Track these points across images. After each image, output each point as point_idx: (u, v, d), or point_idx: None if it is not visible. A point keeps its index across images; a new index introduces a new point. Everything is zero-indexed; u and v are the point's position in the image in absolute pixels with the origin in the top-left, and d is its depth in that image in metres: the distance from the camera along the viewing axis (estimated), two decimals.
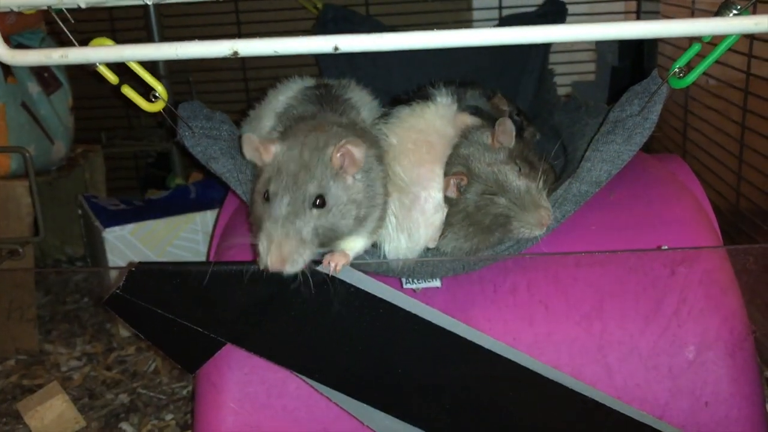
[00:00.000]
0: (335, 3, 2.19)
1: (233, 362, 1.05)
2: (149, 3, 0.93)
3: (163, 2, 0.97)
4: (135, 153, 2.51)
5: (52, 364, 1.64)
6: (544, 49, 2.00)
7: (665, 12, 2.28)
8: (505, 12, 2.33)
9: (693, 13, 1.97)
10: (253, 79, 2.41)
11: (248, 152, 0.97)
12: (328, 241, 0.93)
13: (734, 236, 1.67)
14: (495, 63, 2.03)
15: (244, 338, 1.00)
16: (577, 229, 1.11)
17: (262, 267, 0.89)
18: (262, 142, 0.95)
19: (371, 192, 0.98)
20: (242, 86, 2.42)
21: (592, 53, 2.46)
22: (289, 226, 0.89)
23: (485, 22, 2.27)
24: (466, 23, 2.47)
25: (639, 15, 2.33)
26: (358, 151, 0.93)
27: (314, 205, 0.91)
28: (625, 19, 2.39)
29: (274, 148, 0.95)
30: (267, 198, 0.92)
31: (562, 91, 2.06)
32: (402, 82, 1.91)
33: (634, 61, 2.34)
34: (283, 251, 0.87)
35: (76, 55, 0.92)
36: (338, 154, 0.93)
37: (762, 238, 1.60)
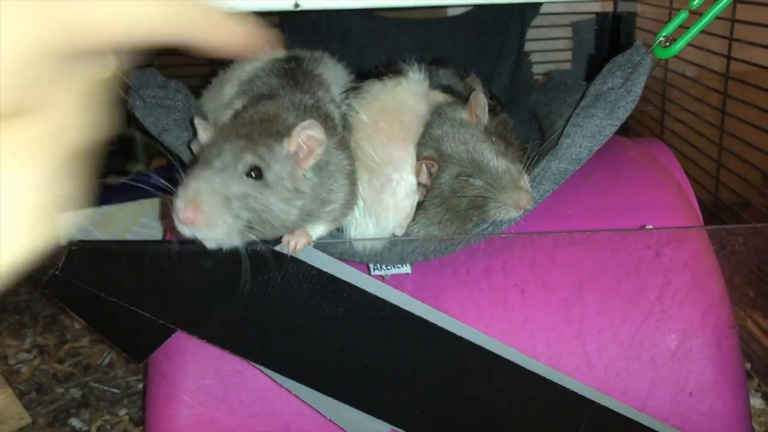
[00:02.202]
0: None
1: (186, 352, 0.97)
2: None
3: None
4: None
5: None
6: (521, 31, 1.95)
7: (642, 11, 2.24)
8: None
9: (670, 13, 1.92)
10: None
11: (201, 137, 0.88)
12: (261, 223, 0.81)
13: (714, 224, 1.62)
14: (470, 45, 1.97)
15: (197, 325, 0.92)
16: (554, 213, 1.04)
17: (176, 222, 0.79)
18: (202, 124, 0.88)
19: (326, 186, 0.89)
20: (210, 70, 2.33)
21: (568, 41, 2.42)
22: (213, 179, 0.78)
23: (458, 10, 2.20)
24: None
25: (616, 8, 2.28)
26: (317, 141, 0.84)
27: (248, 175, 0.80)
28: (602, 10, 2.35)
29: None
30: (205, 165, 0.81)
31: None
32: (374, 64, 1.86)
33: (610, 50, 2.30)
34: (201, 203, 0.76)
35: None
36: (294, 140, 0.84)
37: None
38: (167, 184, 0.86)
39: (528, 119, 1.48)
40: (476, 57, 1.95)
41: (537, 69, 2.01)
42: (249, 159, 0.81)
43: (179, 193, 0.78)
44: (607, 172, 1.16)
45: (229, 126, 0.87)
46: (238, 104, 0.99)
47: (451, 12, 2.25)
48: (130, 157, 2.28)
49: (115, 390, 1.42)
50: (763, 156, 1.43)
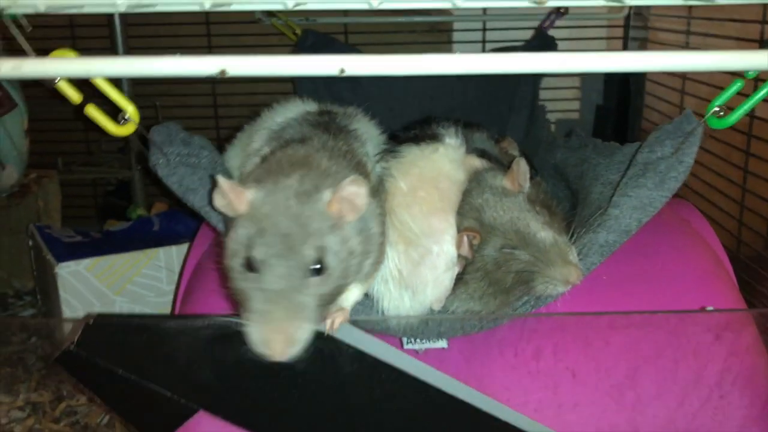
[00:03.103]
0: (314, 29, 2.09)
1: None
2: (117, 11, 0.79)
3: (132, 11, 0.83)
4: (94, 180, 2.35)
5: None
6: (534, 84, 1.93)
7: (653, 47, 2.22)
8: (488, 47, 2.26)
9: (687, 44, 1.91)
10: (223, 106, 2.28)
11: (218, 201, 0.77)
12: (329, 303, 0.77)
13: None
14: (481, 98, 1.95)
15: (220, 405, 0.85)
16: (588, 283, 0.98)
17: (259, 355, 0.73)
18: (233, 188, 0.76)
19: (366, 234, 0.82)
20: (212, 113, 2.29)
21: (576, 91, 2.41)
22: (288, 305, 0.72)
23: None
24: None
25: (626, 47, 2.27)
26: (361, 196, 0.77)
27: (314, 273, 0.74)
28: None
29: (250, 195, 0.77)
30: (250, 267, 0.74)
31: None
32: (382, 111, 1.81)
33: (619, 100, 2.29)
34: (287, 338, 0.71)
35: (31, 67, 0.77)
36: (338, 201, 0.76)
37: (765, 288, 1.51)
38: None
39: (551, 176, 1.44)
40: (487, 109, 1.92)
41: None
42: (310, 254, 0.74)
43: (255, 324, 0.73)
44: (641, 236, 1.12)
45: (262, 197, 0.77)
46: (266, 151, 0.92)
47: None
48: (127, 200, 2.22)
49: None
50: None
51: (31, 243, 1.76)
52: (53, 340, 1.63)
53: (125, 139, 2.20)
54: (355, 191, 0.76)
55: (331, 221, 0.76)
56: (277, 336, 0.71)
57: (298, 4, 0.80)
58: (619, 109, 2.30)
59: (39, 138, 2.04)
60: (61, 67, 0.78)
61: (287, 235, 0.73)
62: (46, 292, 1.68)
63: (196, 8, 0.81)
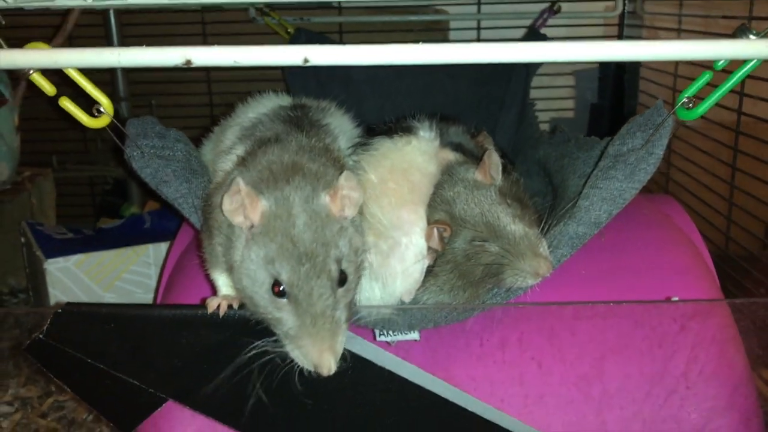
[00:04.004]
0: (308, 29, 2.10)
1: (176, 422, 0.90)
2: (88, 6, 0.80)
3: (102, 6, 0.84)
4: (90, 179, 2.36)
5: None
6: (525, 82, 1.92)
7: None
8: None
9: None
10: (218, 105, 2.29)
11: (230, 206, 0.76)
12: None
13: (723, 282, 1.58)
14: (472, 94, 1.95)
15: (188, 394, 0.86)
16: (565, 275, 0.98)
17: (311, 370, 0.76)
18: (250, 195, 0.76)
19: (358, 228, 0.85)
20: (207, 111, 2.30)
21: (570, 90, 2.40)
22: (329, 324, 0.74)
23: None
24: None
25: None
26: (356, 189, 0.80)
27: (340, 284, 0.77)
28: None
29: (264, 205, 0.77)
30: (280, 291, 0.75)
31: (541, 127, 1.98)
32: (374, 110, 1.82)
33: (613, 99, 2.29)
34: (335, 354, 0.74)
35: (2, 57, 0.78)
36: (339, 200, 0.78)
37: (752, 285, 1.51)
38: None
39: (536, 171, 1.44)
40: (477, 106, 1.92)
41: (539, 117, 1.99)
42: (334, 268, 0.76)
43: (307, 344, 0.75)
44: (621, 231, 1.11)
45: (271, 207, 0.77)
46: (239, 150, 0.93)
47: None
48: (124, 199, 2.23)
49: None
50: None
51: (23, 240, 1.77)
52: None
53: (121, 138, 2.21)
54: (351, 185, 0.79)
55: (337, 225, 0.78)
56: (328, 355, 0.74)
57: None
58: (614, 107, 2.29)
59: (34, 137, 2.06)
60: (31, 57, 0.79)
61: (309, 253, 0.75)
62: (37, 288, 1.69)
63: (165, 2, 0.82)
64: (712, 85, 0.88)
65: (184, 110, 2.28)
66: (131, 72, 2.11)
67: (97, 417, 1.45)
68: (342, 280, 0.77)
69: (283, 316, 0.75)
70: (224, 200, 0.76)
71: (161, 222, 1.77)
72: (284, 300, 0.75)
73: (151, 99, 2.21)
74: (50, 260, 1.53)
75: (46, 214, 2.00)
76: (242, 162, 0.89)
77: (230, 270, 0.81)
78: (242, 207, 0.76)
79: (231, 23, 2.21)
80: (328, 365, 0.73)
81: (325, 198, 0.79)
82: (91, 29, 2.12)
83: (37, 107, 1.93)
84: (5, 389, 1.54)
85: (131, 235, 1.69)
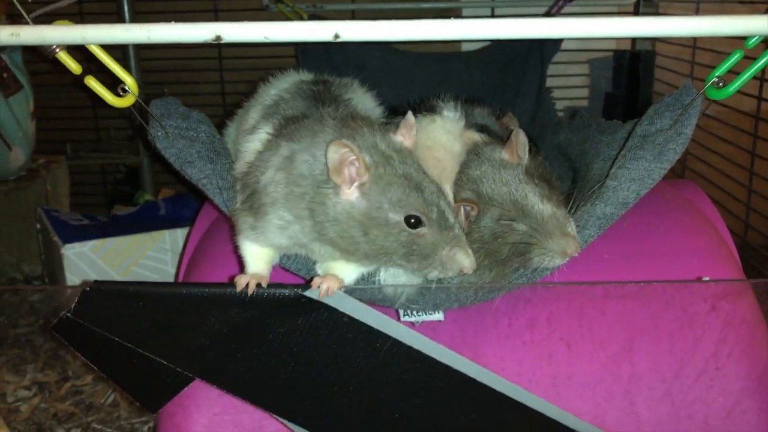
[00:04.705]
0: (322, 16, 2.09)
1: (202, 401, 0.90)
2: None
3: None
4: (103, 166, 2.36)
5: None
6: (540, 70, 1.92)
7: (661, 49, 2.21)
8: None
9: (694, 51, 1.90)
10: (230, 93, 2.29)
11: (337, 163, 0.78)
12: None
13: (744, 270, 1.57)
14: (487, 82, 1.94)
15: (215, 373, 0.85)
16: (591, 258, 0.98)
17: (467, 271, 0.82)
18: (356, 152, 0.78)
19: None
20: (219, 100, 2.30)
21: (585, 78, 2.39)
22: (460, 230, 0.83)
23: (474, 44, 2.17)
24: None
25: (634, 46, 2.25)
26: (413, 123, 0.87)
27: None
28: (620, 47, 2.32)
29: (365, 159, 0.80)
30: (415, 222, 0.80)
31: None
32: (390, 99, 1.81)
33: (628, 88, 2.28)
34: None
35: (29, 34, 0.78)
36: (409, 129, 0.86)
37: None
38: None
39: (555, 156, 1.43)
40: (493, 93, 1.91)
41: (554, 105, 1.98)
42: (440, 188, 0.84)
43: (461, 252, 0.81)
44: (643, 215, 1.11)
45: (373, 164, 0.81)
46: (267, 128, 0.93)
47: (465, 47, 2.23)
48: (136, 186, 2.24)
49: None
50: None
51: (38, 226, 1.77)
52: (56, 312, 1.65)
53: (134, 126, 2.21)
54: (411, 121, 0.86)
55: (415, 157, 0.86)
56: (472, 257, 0.81)
57: None
58: (628, 96, 2.28)
59: (48, 125, 2.06)
60: (58, 34, 0.79)
61: (420, 182, 0.81)
62: (54, 275, 1.69)
63: None
64: (734, 72, 0.87)
65: (196, 98, 2.28)
66: (144, 60, 2.11)
67: (115, 401, 1.45)
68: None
69: (425, 241, 0.81)
70: (329, 159, 0.78)
71: (176, 209, 1.77)
72: (422, 228, 0.80)
73: (163, 87, 2.21)
74: (67, 245, 1.53)
75: (61, 201, 2.01)
76: (281, 136, 0.88)
77: (322, 234, 0.82)
78: (347, 165, 0.78)
79: (244, 11, 2.21)
80: (471, 264, 0.80)
81: (397, 138, 0.85)
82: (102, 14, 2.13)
83: (51, 95, 1.94)
84: (23, 374, 1.55)
85: (146, 222, 1.69)
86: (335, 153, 0.77)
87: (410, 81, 1.93)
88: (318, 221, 0.81)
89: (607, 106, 2.36)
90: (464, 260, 0.80)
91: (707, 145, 1.80)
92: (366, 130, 0.83)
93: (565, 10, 2.04)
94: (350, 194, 0.80)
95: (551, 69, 1.99)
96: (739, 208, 1.64)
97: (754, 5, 1.61)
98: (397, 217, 0.79)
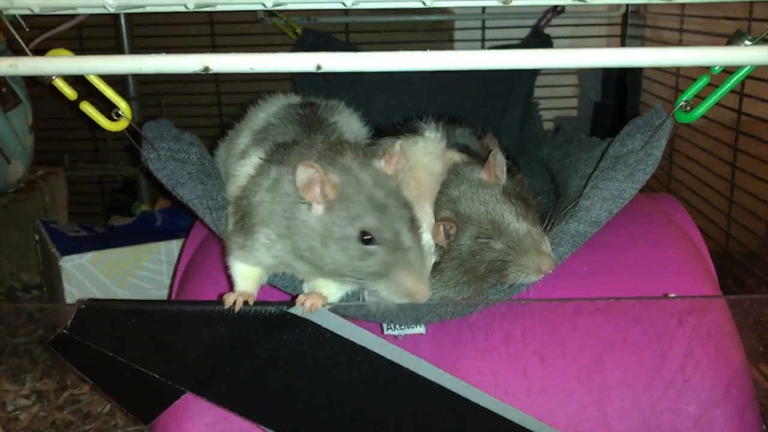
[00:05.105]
0: (315, 29, 2.13)
1: (194, 412, 0.94)
2: (108, 11, 0.83)
3: (123, 11, 0.88)
4: (100, 177, 2.40)
5: None
6: (529, 82, 1.95)
7: (651, 45, 2.25)
8: (488, 45, 2.29)
9: (681, 42, 1.93)
10: (227, 104, 2.32)
11: (304, 182, 0.83)
12: None
13: (724, 280, 1.61)
14: (477, 94, 1.98)
15: (206, 386, 0.89)
16: (567, 272, 1.02)
17: (418, 301, 0.84)
18: (322, 171, 0.83)
19: None
20: (216, 111, 2.33)
21: (574, 89, 2.43)
22: (418, 255, 0.85)
23: None
24: None
25: (624, 45, 2.29)
26: (405, 159, 0.90)
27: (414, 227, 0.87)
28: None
29: (335, 179, 0.85)
30: (368, 239, 0.83)
31: (545, 126, 2.01)
32: (382, 110, 1.85)
33: (616, 98, 2.32)
34: (427, 282, 0.85)
35: (27, 65, 0.82)
36: (394, 161, 0.88)
37: (753, 282, 1.54)
38: None
39: (539, 170, 1.47)
40: (483, 105, 1.95)
41: (543, 116, 2.02)
42: (407, 212, 0.86)
43: (409, 277, 0.83)
44: (621, 229, 1.15)
45: (341, 180, 0.85)
46: (258, 153, 0.97)
47: None
48: (133, 197, 2.27)
49: None
50: None
51: (37, 237, 1.81)
52: (58, 323, 1.68)
53: (137, 140, 2.25)
54: (401, 150, 0.89)
55: (395, 183, 0.88)
56: (421, 284, 0.83)
57: (276, 5, 0.85)
58: (617, 106, 2.32)
59: (46, 136, 2.09)
60: (55, 65, 0.83)
61: (384, 203, 0.84)
62: (52, 285, 1.72)
63: (181, 8, 0.86)
64: (712, 85, 0.91)
65: (193, 109, 2.32)
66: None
67: (112, 410, 1.48)
68: (413, 224, 0.86)
69: (375, 259, 0.83)
70: (297, 180, 0.83)
71: (172, 220, 1.80)
72: (374, 246, 0.83)
73: (161, 99, 2.25)
74: (66, 257, 1.56)
75: (59, 212, 2.04)
76: (273, 160, 0.93)
77: (295, 248, 0.86)
78: (314, 184, 0.83)
79: (239, 23, 2.24)
80: (423, 292, 0.82)
81: (380, 163, 0.88)
82: (100, 26, 2.16)
83: (49, 107, 1.97)
84: (22, 383, 1.58)
85: (143, 233, 1.72)
86: (303, 173, 0.82)
87: (402, 93, 1.97)
88: (294, 236, 0.86)
89: (596, 117, 2.40)
90: (411, 285, 0.82)
91: (691, 156, 1.84)
92: (349, 154, 0.88)
93: (554, 21, 2.07)
94: (318, 210, 0.84)
95: (541, 80, 2.03)
96: (721, 218, 1.68)
97: (739, 21, 1.65)
98: (352, 232, 0.83)
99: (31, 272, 2.02)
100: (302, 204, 0.85)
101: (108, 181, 2.41)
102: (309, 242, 0.85)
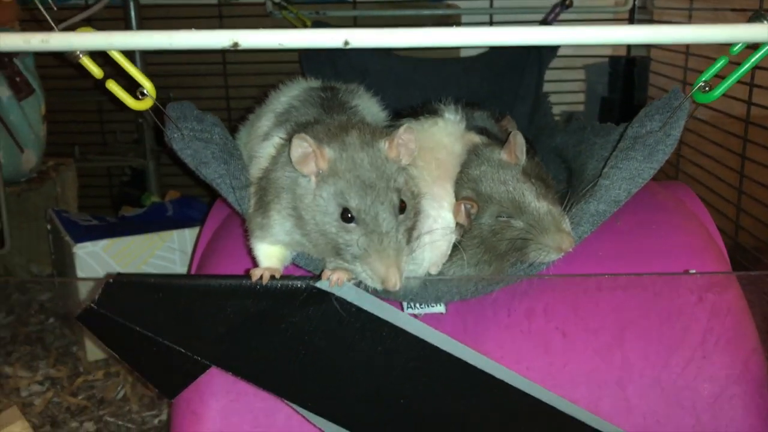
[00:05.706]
0: (325, 22, 2.15)
1: (217, 388, 0.95)
2: None
3: None
4: (109, 170, 2.41)
5: (11, 388, 1.52)
6: (537, 75, 1.97)
7: (656, 55, 2.26)
8: None
9: (687, 58, 1.95)
10: (234, 98, 2.33)
11: (298, 156, 0.85)
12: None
13: (735, 269, 1.61)
14: (485, 85, 1.99)
15: (230, 361, 0.90)
16: (583, 257, 1.03)
17: (378, 288, 0.83)
18: (319, 147, 0.85)
19: (415, 181, 0.94)
20: (224, 104, 2.34)
21: (581, 83, 2.44)
22: (393, 243, 0.83)
23: (473, 50, 2.22)
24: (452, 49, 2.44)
25: (629, 52, 2.31)
26: (413, 141, 0.89)
27: (400, 211, 0.85)
28: (615, 53, 2.37)
29: (329, 153, 0.86)
30: (349, 218, 0.83)
31: None
32: (390, 102, 1.86)
33: (623, 92, 2.33)
34: (400, 271, 0.82)
35: (58, 40, 0.83)
36: (396, 146, 0.87)
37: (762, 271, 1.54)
38: None
39: (552, 159, 1.48)
40: (491, 98, 1.96)
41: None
42: (395, 197, 0.85)
43: (376, 262, 0.82)
44: (635, 215, 1.16)
45: (337, 155, 0.86)
46: (280, 134, 0.99)
47: (464, 53, 2.28)
48: (141, 189, 2.28)
49: (129, 425, 1.40)
50: None
51: (49, 227, 1.82)
52: (69, 309, 1.68)
53: (139, 130, 2.26)
54: (408, 137, 0.88)
55: (395, 165, 0.87)
56: (394, 271, 0.81)
57: None
58: (624, 100, 2.33)
59: (57, 128, 2.10)
60: (85, 40, 0.84)
61: (373, 184, 0.84)
62: (64, 274, 1.73)
63: None
64: (720, 77, 0.93)
65: (201, 103, 2.32)
66: (149, 65, 2.16)
67: (125, 396, 1.49)
68: (402, 208, 0.85)
69: (352, 238, 0.83)
70: (292, 153, 0.84)
71: (183, 210, 1.81)
72: (353, 224, 0.83)
73: (169, 92, 2.26)
74: (79, 245, 1.57)
75: (69, 203, 2.05)
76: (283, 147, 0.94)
77: (298, 221, 0.87)
78: (309, 157, 0.84)
79: (248, 17, 2.26)
80: (394, 280, 0.81)
81: (383, 144, 0.87)
82: (110, 19, 2.17)
83: (59, 99, 1.98)
84: (35, 370, 1.59)
85: (154, 222, 1.73)
86: (297, 147, 0.84)
87: (411, 85, 1.98)
88: (297, 210, 0.88)
89: (603, 110, 2.41)
90: (382, 271, 0.81)
91: (700, 148, 1.86)
92: (355, 133, 0.88)
93: (562, 16, 2.08)
94: (313, 182, 0.86)
95: (548, 74, 2.04)
96: (730, 210, 1.69)
97: (745, 12, 1.66)
98: (333, 207, 0.84)
99: (41, 263, 2.02)
100: (302, 177, 0.87)
101: (116, 173, 2.42)
102: (305, 215, 0.86)
